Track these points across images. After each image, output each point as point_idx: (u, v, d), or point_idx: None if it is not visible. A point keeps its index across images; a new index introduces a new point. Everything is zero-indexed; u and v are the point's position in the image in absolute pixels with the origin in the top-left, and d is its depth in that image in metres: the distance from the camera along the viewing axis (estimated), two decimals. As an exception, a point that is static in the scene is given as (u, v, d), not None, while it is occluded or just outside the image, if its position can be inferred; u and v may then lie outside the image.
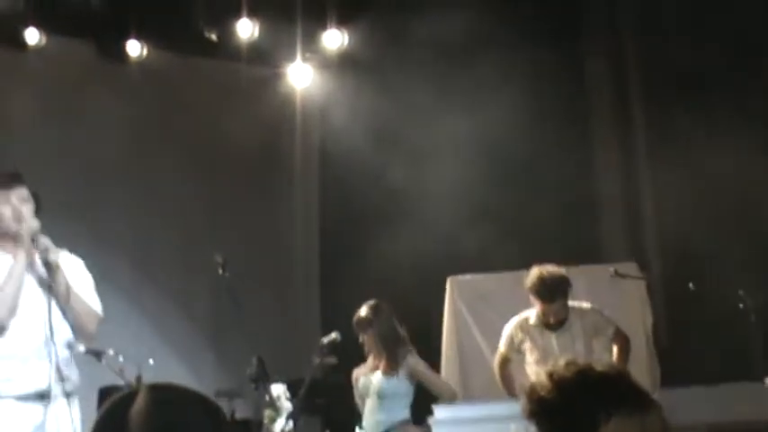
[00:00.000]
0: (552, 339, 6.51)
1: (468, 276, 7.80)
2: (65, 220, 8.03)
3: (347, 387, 6.91)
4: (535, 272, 6.37)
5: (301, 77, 8.89)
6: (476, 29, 8.08)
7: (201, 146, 8.77)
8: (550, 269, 6.39)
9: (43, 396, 4.44)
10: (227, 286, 6.43)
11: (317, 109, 9.19)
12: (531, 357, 6.52)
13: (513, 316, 6.86)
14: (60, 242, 8.27)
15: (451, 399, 6.60)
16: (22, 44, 8.09)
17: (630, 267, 7.29)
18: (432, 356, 7.14)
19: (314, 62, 8.86)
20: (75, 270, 4.67)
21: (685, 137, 7.87)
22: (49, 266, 4.47)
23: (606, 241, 8.45)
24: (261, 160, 9.03)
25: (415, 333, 6.83)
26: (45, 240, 4.50)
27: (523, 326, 6.59)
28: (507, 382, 6.63)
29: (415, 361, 6.70)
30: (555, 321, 6.49)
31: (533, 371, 6.34)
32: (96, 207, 8.20)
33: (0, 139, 8.00)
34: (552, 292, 6.37)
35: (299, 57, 8.74)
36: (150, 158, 8.54)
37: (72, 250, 8.31)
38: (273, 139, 9.12)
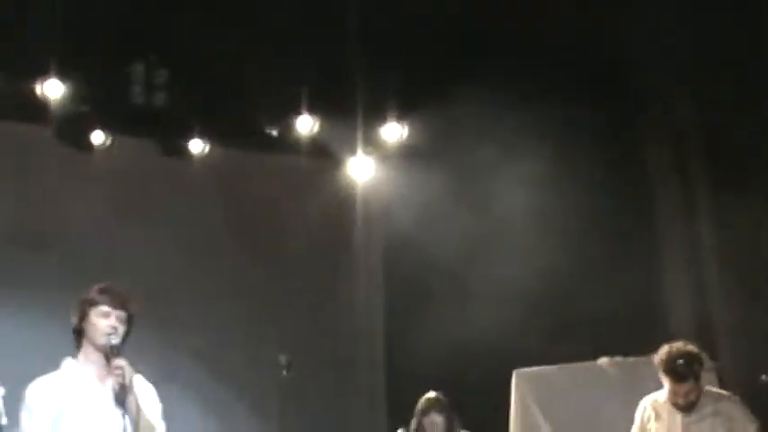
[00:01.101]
0: (678, 419, 6.13)
1: (535, 369, 7.65)
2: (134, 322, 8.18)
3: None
4: (665, 349, 6.01)
5: (362, 170, 8.99)
6: (532, 120, 8.15)
7: (265, 240, 8.87)
8: (681, 346, 6.02)
9: None
10: (293, 385, 6.48)
11: (379, 201, 9.26)
12: None
13: (584, 408, 6.77)
14: (127, 343, 8.42)
15: None
16: (88, 145, 8.30)
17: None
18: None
19: (374, 155, 8.97)
20: (146, 394, 4.76)
21: (754, 221, 7.80)
22: (124, 388, 4.53)
23: (673, 332, 8.34)
24: (324, 254, 9.11)
25: (475, 426, 6.83)
26: (122, 362, 4.60)
27: (653, 403, 6.20)
28: None
29: None
30: (685, 403, 6.06)
31: None
32: (162, 304, 8.32)
33: (67, 238, 8.19)
34: (683, 370, 5.96)
35: (359, 150, 8.86)
36: (214, 255, 8.66)
37: (138, 348, 8.44)
38: (336, 232, 9.20)
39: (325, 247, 9.13)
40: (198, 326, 8.51)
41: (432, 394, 6.84)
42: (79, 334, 4.77)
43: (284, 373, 6.37)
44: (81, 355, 4.75)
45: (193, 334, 8.46)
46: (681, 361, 5.95)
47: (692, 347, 6.02)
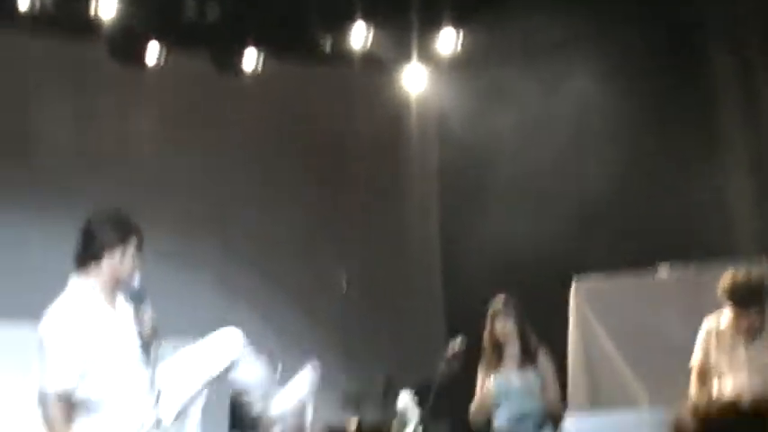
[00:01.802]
0: (740, 347, 5.99)
1: (594, 280, 7.65)
2: (191, 237, 8.32)
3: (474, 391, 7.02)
4: (729, 276, 5.89)
5: (416, 80, 8.96)
6: (589, 25, 8.04)
7: (320, 153, 8.91)
8: (746, 273, 5.89)
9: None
10: (354, 299, 6.61)
11: (433, 110, 9.25)
12: (717, 367, 6.05)
13: (644, 319, 6.78)
14: (190, 258, 8.59)
15: (557, 415, 6.62)
16: (141, 62, 8.34)
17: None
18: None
19: (428, 64, 8.93)
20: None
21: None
22: (153, 337, 4.58)
23: (735, 239, 8.28)
24: (378, 166, 9.14)
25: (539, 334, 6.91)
26: (151, 312, 4.63)
27: (715, 328, 6.08)
28: (704, 394, 6.04)
29: (547, 359, 6.78)
30: (748, 332, 5.92)
31: (719, 383, 5.96)
32: (221, 221, 8.43)
33: (122, 153, 8.28)
34: (747, 299, 5.85)
35: (413, 60, 8.82)
36: (270, 170, 8.73)
37: (200, 266, 8.60)
38: (390, 143, 9.22)
39: (380, 157, 9.15)
40: (256, 242, 8.62)
41: (501, 298, 6.89)
42: (96, 258, 4.58)
43: (343, 289, 6.46)
44: (93, 277, 4.59)
45: (252, 249, 8.57)
46: (745, 290, 5.85)
47: (756, 275, 5.91)
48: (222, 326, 8.25)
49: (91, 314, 4.53)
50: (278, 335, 8.61)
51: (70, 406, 4.38)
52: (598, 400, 7.24)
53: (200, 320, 8.04)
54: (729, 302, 5.90)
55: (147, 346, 4.59)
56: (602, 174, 8.24)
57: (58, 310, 4.49)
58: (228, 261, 8.53)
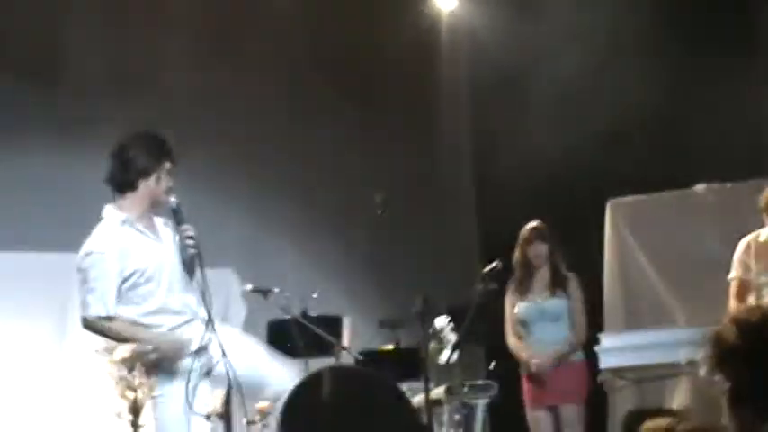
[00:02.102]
0: None
1: (629, 198, 7.62)
2: (224, 162, 8.33)
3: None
4: None
5: (448, -1, 8.93)
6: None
7: (351, 72, 8.83)
8: None
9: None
10: (387, 223, 6.58)
11: (465, 26, 9.14)
12: (756, 280, 6.05)
13: (681, 237, 6.75)
14: (222, 182, 8.60)
15: (581, 343, 6.67)
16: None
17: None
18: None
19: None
20: None
21: None
22: (197, 256, 4.66)
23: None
24: (410, 84, 9.05)
25: (570, 254, 6.92)
26: (192, 230, 4.71)
27: (754, 241, 6.07)
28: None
29: (576, 284, 6.84)
30: None
31: (758, 296, 5.94)
32: (254, 147, 8.42)
33: (152, 74, 8.27)
34: None
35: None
36: (302, 88, 8.70)
37: (233, 192, 8.62)
38: (422, 61, 9.13)
39: (412, 75, 9.07)
40: (291, 169, 8.61)
41: (534, 224, 6.92)
42: (132, 185, 4.68)
43: (379, 212, 6.46)
44: (130, 202, 4.69)
45: (285, 177, 8.56)
46: None
47: None
48: (255, 254, 8.36)
49: (129, 240, 4.62)
50: (312, 261, 8.66)
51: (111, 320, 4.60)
52: (634, 318, 7.26)
53: (231, 248, 8.15)
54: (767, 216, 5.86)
55: (190, 267, 4.69)
56: (638, 90, 8.14)
57: (97, 240, 4.59)
58: (261, 188, 8.53)
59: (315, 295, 7.26)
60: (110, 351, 6.32)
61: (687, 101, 8.00)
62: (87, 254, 4.59)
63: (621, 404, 7.19)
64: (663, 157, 7.95)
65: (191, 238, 4.68)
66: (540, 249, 6.87)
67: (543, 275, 6.91)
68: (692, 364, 6.23)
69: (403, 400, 1.48)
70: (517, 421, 6.99)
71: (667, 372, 6.39)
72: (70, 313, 7.55)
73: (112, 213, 4.67)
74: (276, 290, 6.90)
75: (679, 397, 6.86)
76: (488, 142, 9.06)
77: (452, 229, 9.16)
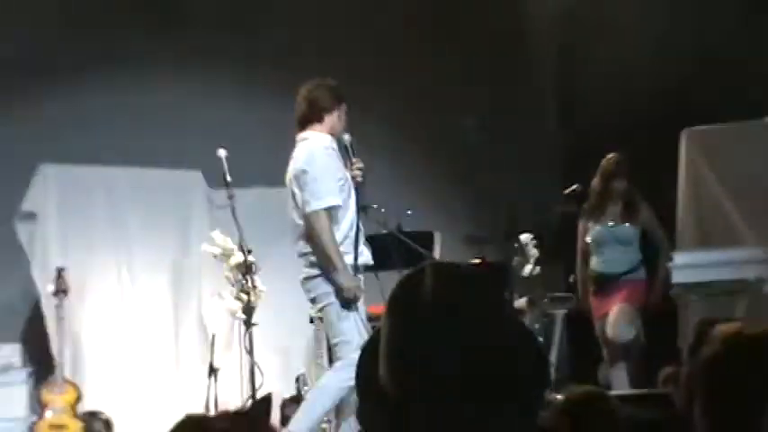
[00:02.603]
0: None
1: (703, 127, 7.59)
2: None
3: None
4: None
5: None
6: None
7: (444, 11, 8.87)
8: None
9: None
10: (478, 145, 6.73)
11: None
12: None
13: (754, 166, 6.73)
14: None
15: (668, 253, 6.78)
16: None
17: None
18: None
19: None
20: None
21: None
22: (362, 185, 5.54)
23: None
24: (497, 15, 9.03)
25: (646, 183, 6.98)
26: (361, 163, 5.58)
27: None
28: None
29: (649, 212, 6.95)
30: None
31: None
32: (357, 78, 8.55)
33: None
34: None
35: None
36: (395, 25, 8.77)
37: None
38: (510, 8, 9.13)
39: (499, 7, 9.07)
40: (388, 97, 8.71)
41: (615, 157, 7.00)
42: (320, 118, 5.49)
43: (473, 134, 6.65)
44: (318, 132, 5.48)
45: (383, 105, 8.67)
46: None
47: None
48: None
49: (333, 154, 5.47)
50: (407, 181, 8.83)
51: (331, 217, 5.34)
52: (706, 240, 7.28)
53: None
54: None
55: (357, 189, 5.51)
56: (716, 27, 8.06)
57: (318, 146, 5.41)
58: (362, 115, 8.68)
59: (409, 212, 7.44)
60: (227, 256, 6.68)
61: (762, 40, 7.91)
62: (314, 157, 5.38)
63: (692, 317, 7.26)
64: (739, 91, 7.88)
65: (360, 169, 5.49)
66: (620, 184, 6.96)
67: (616, 205, 7.03)
68: (759, 281, 6.31)
69: (504, 303, 1.59)
70: (591, 330, 7.16)
71: (735, 288, 6.44)
72: (192, 222, 7.92)
73: (314, 135, 5.49)
74: (374, 206, 7.09)
75: (746, 310, 6.90)
76: (572, 71, 9.07)
77: (537, 152, 9.21)
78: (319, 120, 5.50)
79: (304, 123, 5.53)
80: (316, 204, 5.32)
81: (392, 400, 1.76)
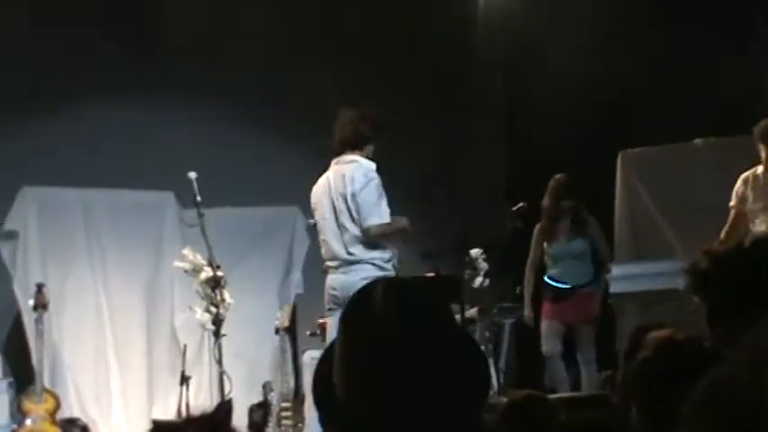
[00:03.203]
0: None
1: (638, 150, 7.68)
2: (287, 117, 8.46)
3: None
4: (764, 121, 5.90)
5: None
6: None
7: (390, 40, 8.83)
8: None
9: None
10: (430, 169, 6.73)
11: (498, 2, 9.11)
12: (754, 206, 6.02)
13: (683, 186, 6.81)
14: (290, 133, 8.66)
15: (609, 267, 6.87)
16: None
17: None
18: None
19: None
20: None
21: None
22: None
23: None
24: (447, 54, 9.04)
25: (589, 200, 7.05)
26: None
27: (747, 177, 6.06)
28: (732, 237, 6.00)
29: (596, 226, 7.01)
30: None
31: (757, 220, 5.95)
32: (312, 106, 8.50)
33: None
34: None
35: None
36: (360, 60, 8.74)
37: (299, 142, 8.70)
38: (458, 34, 9.14)
39: (449, 46, 9.08)
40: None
41: (561, 178, 7.12)
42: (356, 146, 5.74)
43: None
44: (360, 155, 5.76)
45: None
46: None
47: None
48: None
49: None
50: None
51: None
52: (641, 253, 7.36)
53: (296, 188, 8.36)
54: (763, 141, 5.87)
55: None
56: (643, 60, 8.15)
57: (371, 169, 5.76)
58: (322, 133, 8.65)
59: (311, 221, 7.42)
60: (197, 272, 6.61)
61: (692, 64, 8.00)
62: (372, 179, 5.71)
63: (628, 324, 7.32)
64: (668, 114, 7.96)
65: None
66: (567, 203, 7.04)
67: (566, 222, 7.12)
68: (687, 290, 6.34)
69: (451, 314, 1.57)
70: (537, 338, 7.19)
71: (667, 297, 6.50)
72: (164, 240, 7.84)
73: (362, 159, 5.78)
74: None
75: (676, 317, 6.96)
76: (518, 102, 9.11)
77: (487, 176, 9.24)
78: (368, 142, 5.81)
79: (354, 145, 5.78)
80: (381, 218, 5.76)
81: (347, 411, 1.75)
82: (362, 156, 5.75)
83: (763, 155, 5.91)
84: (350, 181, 5.70)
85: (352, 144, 5.71)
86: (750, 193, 6.04)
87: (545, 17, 8.51)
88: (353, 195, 5.68)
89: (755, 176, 6.05)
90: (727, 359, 1.10)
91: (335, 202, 5.73)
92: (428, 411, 1.71)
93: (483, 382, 1.84)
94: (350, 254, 5.74)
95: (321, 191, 5.86)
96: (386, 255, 5.83)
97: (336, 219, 5.76)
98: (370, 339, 1.73)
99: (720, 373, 1.09)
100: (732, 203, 6.13)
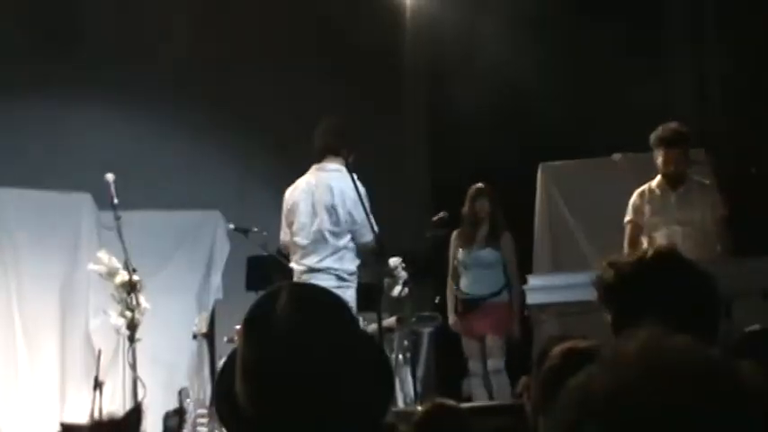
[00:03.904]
0: (670, 193, 6.00)
1: (557, 163, 7.80)
2: (217, 121, 8.38)
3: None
4: (659, 128, 5.94)
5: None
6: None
7: (321, 50, 8.84)
8: (673, 123, 6.00)
9: None
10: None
11: (426, 15, 9.15)
12: (653, 219, 6.03)
13: (600, 199, 6.94)
14: (217, 139, 8.59)
15: (515, 282, 6.96)
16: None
17: (699, 153, 7.01)
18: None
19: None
20: None
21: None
22: None
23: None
24: (375, 67, 9.07)
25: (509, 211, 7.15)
26: None
27: (644, 192, 6.10)
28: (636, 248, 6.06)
29: (509, 240, 7.12)
30: (675, 171, 5.92)
31: (657, 233, 5.98)
32: (244, 110, 8.45)
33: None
34: (673, 136, 5.87)
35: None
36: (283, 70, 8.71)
37: (225, 147, 8.61)
38: (387, 46, 9.17)
39: (376, 52, 9.10)
40: (274, 123, 8.62)
41: (479, 184, 7.27)
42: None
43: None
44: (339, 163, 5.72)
45: (270, 129, 8.54)
46: (671, 128, 5.90)
47: (682, 126, 5.98)
48: (239, 198, 8.46)
49: None
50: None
51: None
52: (558, 265, 7.47)
53: (218, 193, 8.29)
54: (658, 144, 5.91)
55: None
56: (569, 78, 8.30)
57: (356, 180, 5.64)
58: (248, 142, 8.61)
59: (231, 226, 7.39)
60: (112, 275, 6.51)
61: (608, 82, 8.17)
62: (364, 195, 5.64)
63: (545, 334, 7.40)
64: (587, 131, 8.12)
65: None
66: (483, 205, 7.17)
67: (483, 230, 7.19)
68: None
69: (354, 320, 1.55)
70: (456, 347, 7.26)
71: (583, 308, 6.58)
72: (81, 242, 7.70)
73: (344, 169, 5.69)
74: (255, 229, 7.04)
75: (591, 328, 7.06)
76: (443, 112, 9.17)
77: (409, 186, 9.30)
78: (344, 149, 5.73)
79: (331, 152, 5.75)
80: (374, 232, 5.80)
81: (248, 418, 1.73)
82: (344, 164, 5.70)
83: (659, 160, 5.95)
84: (339, 194, 5.66)
85: (335, 151, 5.67)
86: (647, 207, 6.08)
87: (469, 28, 8.59)
88: (349, 213, 5.70)
89: (651, 190, 6.09)
90: (595, 361, 1.12)
91: (317, 210, 5.68)
92: (329, 420, 1.70)
93: (385, 388, 1.84)
94: (319, 261, 5.73)
95: (300, 195, 5.77)
96: (352, 267, 5.81)
97: (312, 225, 5.71)
98: (272, 345, 1.71)
99: (583, 376, 1.12)
100: (628, 218, 6.13)
